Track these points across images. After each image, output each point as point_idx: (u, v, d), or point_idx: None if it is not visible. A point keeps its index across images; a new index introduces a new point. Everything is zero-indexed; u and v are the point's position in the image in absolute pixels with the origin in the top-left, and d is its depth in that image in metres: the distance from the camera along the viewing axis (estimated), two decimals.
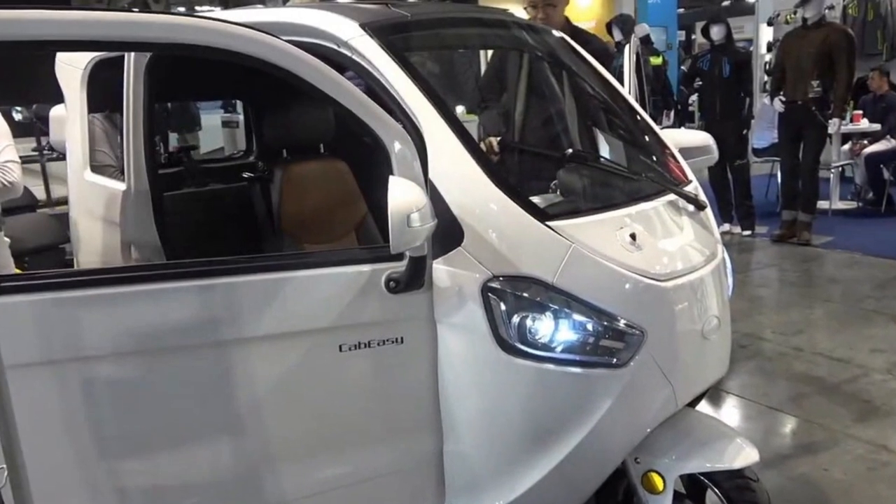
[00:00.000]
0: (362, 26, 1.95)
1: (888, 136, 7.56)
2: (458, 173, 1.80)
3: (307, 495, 1.86)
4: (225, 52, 1.55)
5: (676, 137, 2.50)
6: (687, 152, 2.43)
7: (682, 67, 10.78)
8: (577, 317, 1.76)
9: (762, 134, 7.74)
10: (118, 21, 1.49)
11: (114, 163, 3.16)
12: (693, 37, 15.54)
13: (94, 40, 1.49)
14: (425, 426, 1.88)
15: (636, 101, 2.64)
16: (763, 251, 6.43)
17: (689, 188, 2.23)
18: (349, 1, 2.39)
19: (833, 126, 6.20)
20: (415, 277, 1.72)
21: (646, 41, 8.15)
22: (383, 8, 2.16)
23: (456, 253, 1.75)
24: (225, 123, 8.85)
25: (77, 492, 1.69)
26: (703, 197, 2.23)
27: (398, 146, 1.67)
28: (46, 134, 4.32)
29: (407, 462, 1.92)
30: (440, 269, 1.77)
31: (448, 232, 1.74)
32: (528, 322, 1.74)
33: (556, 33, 2.66)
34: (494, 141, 2.86)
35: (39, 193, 6.10)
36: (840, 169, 7.78)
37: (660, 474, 1.93)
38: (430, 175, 1.78)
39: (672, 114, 8.26)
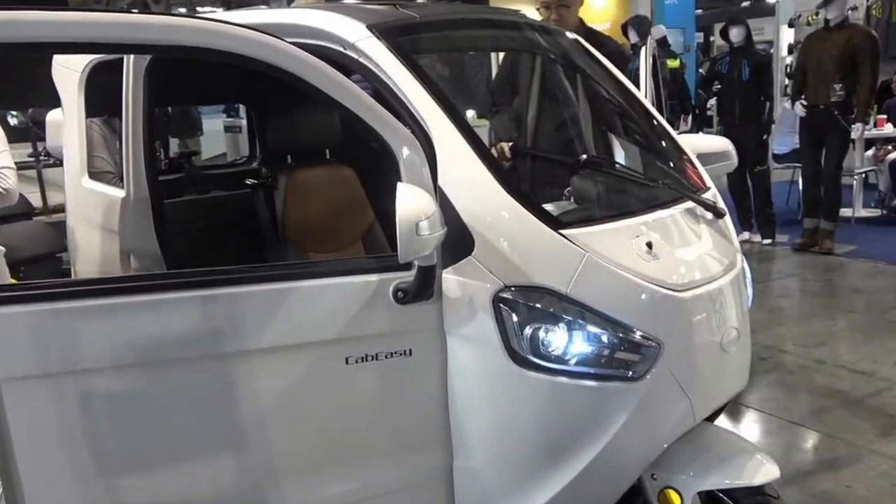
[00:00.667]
0: (369, 28, 1.92)
1: None
2: (469, 180, 1.77)
3: None
4: (227, 54, 1.52)
5: (694, 143, 2.47)
6: (705, 158, 2.39)
7: (700, 70, 10.70)
8: (592, 328, 1.72)
9: (783, 139, 7.66)
10: (117, 22, 1.46)
11: (112, 169, 3.15)
12: (711, 39, 15.45)
13: (93, 42, 1.47)
14: (434, 441, 1.85)
15: (653, 105, 2.61)
16: (784, 260, 6.35)
17: (707, 195, 2.19)
18: (356, 2, 2.36)
19: (856, 131, 6.12)
20: (423, 287, 1.69)
21: (662, 43, 8.10)
22: (391, 9, 2.14)
23: (466, 262, 1.72)
24: (227, 128, 8.89)
25: None
26: (721, 204, 2.19)
27: (406, 152, 1.64)
28: (43, 139, 4.34)
29: (415, 478, 1.89)
30: (450, 279, 1.73)
31: (458, 240, 1.70)
32: (541, 334, 1.70)
33: (570, 35, 2.63)
34: (506, 146, 2.83)
35: (36, 200, 6.13)
36: (863, 175, 7.68)
37: (677, 491, 1.89)
38: (440, 182, 1.74)
39: (690, 118, 8.19)
